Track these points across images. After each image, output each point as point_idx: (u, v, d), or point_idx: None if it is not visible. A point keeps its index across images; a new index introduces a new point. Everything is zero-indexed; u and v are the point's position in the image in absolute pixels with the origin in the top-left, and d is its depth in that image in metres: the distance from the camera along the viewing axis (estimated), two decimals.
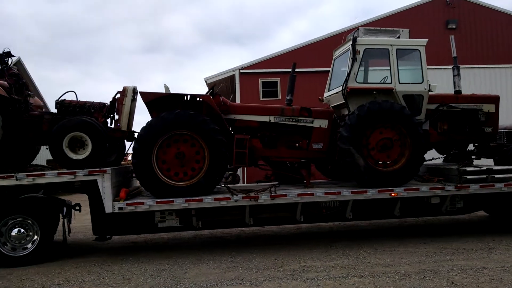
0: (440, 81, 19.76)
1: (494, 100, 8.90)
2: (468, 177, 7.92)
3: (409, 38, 8.65)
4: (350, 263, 6.78)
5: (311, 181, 8.74)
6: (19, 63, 27.20)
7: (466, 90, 19.70)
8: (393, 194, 7.75)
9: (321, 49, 19.97)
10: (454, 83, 8.90)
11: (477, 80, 20.22)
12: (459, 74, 8.85)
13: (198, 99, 7.91)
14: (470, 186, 7.90)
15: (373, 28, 8.66)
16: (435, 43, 20.14)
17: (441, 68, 20.09)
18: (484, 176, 7.96)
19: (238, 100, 19.75)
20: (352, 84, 7.96)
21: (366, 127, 7.72)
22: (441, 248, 7.57)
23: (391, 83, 8.05)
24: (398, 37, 8.48)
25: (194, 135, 7.44)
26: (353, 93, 8.01)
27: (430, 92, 8.21)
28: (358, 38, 8.09)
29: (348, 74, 7.99)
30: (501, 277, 5.86)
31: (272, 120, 8.36)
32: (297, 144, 8.67)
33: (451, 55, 21.99)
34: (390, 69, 8.06)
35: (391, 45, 8.14)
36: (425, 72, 8.13)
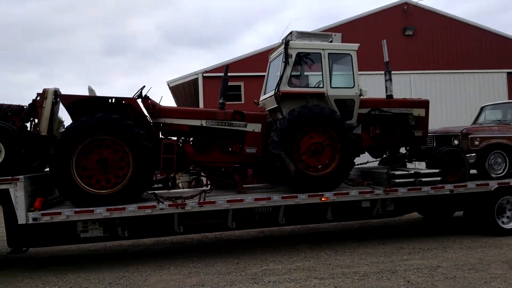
0: (399, 85, 20.47)
1: (424, 104, 8.99)
2: (396, 180, 7.97)
3: (347, 42, 8.60)
4: (311, 265, 6.85)
5: (245, 186, 8.64)
6: None
7: (421, 94, 20.50)
8: (323, 199, 7.68)
9: None
10: (386, 87, 8.87)
11: (433, 84, 21.03)
12: (390, 79, 8.88)
13: (123, 102, 7.53)
14: (398, 190, 7.94)
15: (306, 31, 8.57)
16: (394, 48, 20.87)
17: (404, 73, 20.79)
18: (412, 179, 8.02)
19: (201, 104, 19.65)
20: (284, 88, 7.84)
21: (297, 132, 7.62)
22: (398, 248, 7.79)
23: (323, 87, 7.98)
24: (331, 41, 8.43)
25: (117, 140, 7.05)
26: (286, 97, 7.89)
27: (362, 97, 8.23)
28: (290, 41, 7.99)
29: (281, 78, 7.86)
30: (454, 275, 6.08)
31: (204, 124, 8.09)
32: (230, 149, 8.44)
33: (410, 60, 22.68)
34: (322, 74, 7.98)
35: (323, 49, 8.05)
36: (357, 76, 8.11)
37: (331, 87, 7.99)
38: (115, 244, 9.18)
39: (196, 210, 7.27)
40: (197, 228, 8.13)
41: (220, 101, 8.44)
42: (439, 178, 8.13)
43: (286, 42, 7.94)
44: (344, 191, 7.83)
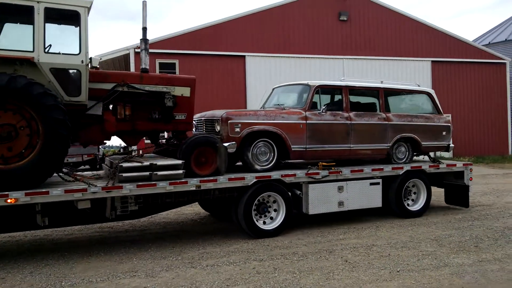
0: (332, 70, 20.91)
1: (189, 82, 7.54)
2: (124, 175, 6.36)
3: None
4: (249, 247, 6.72)
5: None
6: None
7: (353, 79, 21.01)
8: (9, 201, 5.74)
9: (221, 32, 19.76)
10: (141, 59, 7.33)
11: (364, 70, 21.70)
12: (146, 49, 7.30)
13: None
14: (123, 187, 6.31)
15: None
16: (329, 33, 21.19)
17: (338, 58, 21.18)
18: (147, 173, 6.50)
19: None
20: None
21: None
22: (334, 228, 7.90)
23: (33, 51, 6.09)
24: None
25: None
26: None
27: (97, 68, 6.89)
28: None
29: None
30: (388, 253, 6.26)
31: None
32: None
33: (343, 45, 23.02)
34: (34, 34, 6.09)
35: (37, 2, 6.10)
36: (85, 41, 6.31)
37: (45, 52, 6.15)
38: (36, 232, 8.43)
39: None
40: None
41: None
42: (181, 171, 6.68)
43: None
44: (43, 190, 5.99)
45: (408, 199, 8.84)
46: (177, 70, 18.91)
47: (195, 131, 8.43)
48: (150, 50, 18.40)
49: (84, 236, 8.02)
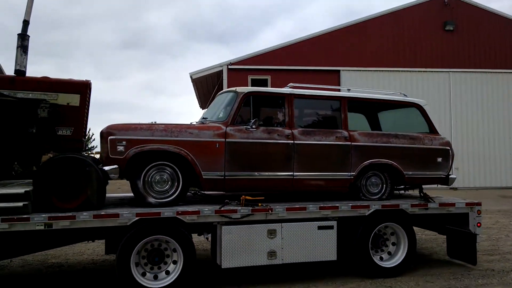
0: (437, 84, 19.08)
1: (79, 88, 5.67)
2: None
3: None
4: (367, 287, 5.68)
5: None
6: None
7: (461, 94, 19.02)
8: None
9: (314, 46, 19.11)
10: (16, 58, 5.59)
11: (474, 84, 19.60)
12: (24, 46, 5.59)
13: None
14: None
15: None
16: (433, 44, 19.43)
17: (444, 71, 19.40)
18: None
19: None
20: None
21: None
22: (465, 268, 6.56)
23: None
24: None
25: None
26: None
27: None
28: None
29: None
30: None
31: None
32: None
33: (450, 56, 20.93)
34: None
35: None
36: None
37: None
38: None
39: None
40: None
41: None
42: (21, 204, 4.78)
43: None
44: None
45: (382, 250, 6.35)
46: (269, 86, 18.49)
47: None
48: (242, 67, 18.45)
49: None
